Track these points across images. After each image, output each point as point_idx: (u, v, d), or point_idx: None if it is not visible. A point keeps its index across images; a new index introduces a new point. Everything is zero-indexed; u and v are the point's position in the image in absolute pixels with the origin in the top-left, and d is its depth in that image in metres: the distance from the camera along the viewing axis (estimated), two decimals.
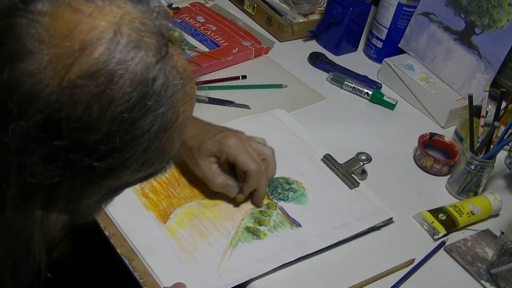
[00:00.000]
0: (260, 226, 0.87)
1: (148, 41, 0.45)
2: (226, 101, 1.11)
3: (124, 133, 0.44)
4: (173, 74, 0.47)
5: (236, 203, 0.90)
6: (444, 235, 0.94)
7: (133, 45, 0.44)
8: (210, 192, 0.91)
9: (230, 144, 0.83)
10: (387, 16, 1.30)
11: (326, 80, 1.26)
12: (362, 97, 1.23)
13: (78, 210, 0.52)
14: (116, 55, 0.43)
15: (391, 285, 0.84)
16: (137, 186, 0.88)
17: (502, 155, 1.09)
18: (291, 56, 1.31)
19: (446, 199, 1.02)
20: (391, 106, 1.21)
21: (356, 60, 1.35)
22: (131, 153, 0.46)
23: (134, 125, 0.45)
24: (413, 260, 0.89)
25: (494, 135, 1.00)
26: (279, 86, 1.20)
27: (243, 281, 0.79)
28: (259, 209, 0.90)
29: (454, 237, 0.95)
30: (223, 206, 0.89)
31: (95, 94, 0.43)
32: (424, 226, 0.95)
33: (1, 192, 0.44)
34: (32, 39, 0.42)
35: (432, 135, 1.11)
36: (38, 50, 0.42)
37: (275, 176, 0.96)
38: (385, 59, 1.28)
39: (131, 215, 0.84)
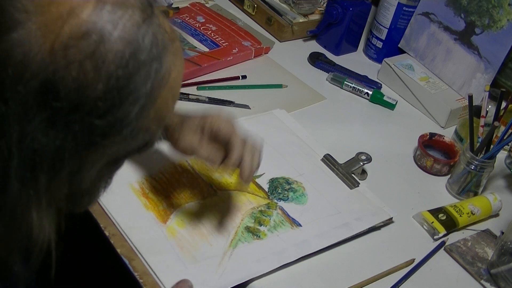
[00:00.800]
0: (260, 226, 0.87)
1: (133, 2, 0.46)
2: (226, 101, 1.11)
3: (120, 88, 0.45)
4: (160, 32, 0.48)
5: (236, 203, 0.90)
6: (444, 235, 0.94)
7: (119, 5, 0.45)
8: (210, 192, 0.91)
9: (213, 115, 0.82)
10: (387, 16, 1.30)
11: (326, 80, 1.26)
12: (362, 97, 1.23)
13: (80, 186, 0.51)
14: (104, 15, 0.44)
15: (391, 285, 0.84)
16: (137, 186, 0.89)
17: (502, 155, 1.09)
18: (291, 56, 1.31)
19: (446, 199, 1.02)
20: (391, 106, 1.21)
21: (356, 60, 1.35)
22: (129, 109, 0.46)
23: (130, 80, 0.45)
24: (413, 260, 0.89)
25: (494, 135, 1.00)
26: (279, 86, 1.20)
27: (243, 281, 0.79)
28: (259, 209, 0.90)
29: (454, 237, 0.95)
30: (223, 206, 0.89)
31: (87, 54, 0.43)
32: (424, 226, 0.95)
33: (5, 161, 0.44)
34: (18, 11, 0.43)
35: (432, 135, 1.11)
36: (26, 20, 0.43)
37: (275, 176, 0.96)
38: (385, 59, 1.28)
39: (131, 215, 0.84)
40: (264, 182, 0.95)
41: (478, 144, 1.01)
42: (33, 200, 0.47)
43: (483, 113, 1.02)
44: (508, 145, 1.08)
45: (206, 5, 1.39)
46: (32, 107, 0.43)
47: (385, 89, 1.26)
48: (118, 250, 0.79)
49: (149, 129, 0.51)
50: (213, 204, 0.89)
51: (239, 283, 0.79)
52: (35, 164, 0.45)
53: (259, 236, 0.86)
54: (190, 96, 1.10)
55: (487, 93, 1.03)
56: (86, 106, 0.44)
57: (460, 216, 0.95)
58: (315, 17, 1.39)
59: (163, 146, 0.94)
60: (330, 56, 1.33)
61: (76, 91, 0.44)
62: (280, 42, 1.34)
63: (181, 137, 0.82)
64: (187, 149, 0.82)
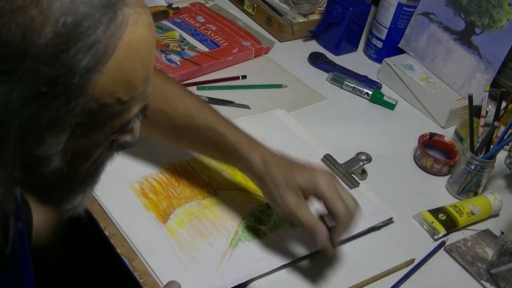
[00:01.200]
0: (261, 225, 0.87)
1: None
2: (226, 101, 1.11)
3: (69, 33, 0.43)
4: None
5: (236, 203, 0.90)
6: (444, 235, 0.94)
7: None
8: (210, 192, 0.91)
9: (321, 180, 0.76)
10: (387, 16, 1.30)
11: (326, 80, 1.26)
12: (362, 97, 1.23)
13: (49, 163, 0.48)
14: None
15: (391, 285, 0.84)
16: (137, 186, 0.89)
17: (502, 155, 1.09)
18: (291, 56, 1.31)
19: (446, 199, 1.02)
20: (391, 106, 1.21)
21: (356, 60, 1.35)
22: (79, 57, 0.44)
23: (79, 25, 0.44)
24: (413, 260, 0.89)
25: (494, 135, 1.00)
26: (279, 86, 1.20)
27: (243, 281, 0.79)
28: (259, 208, 0.90)
29: (454, 237, 0.95)
30: (223, 206, 0.89)
31: (33, 0, 0.43)
32: (424, 226, 0.95)
33: None
34: None
35: (432, 135, 1.11)
36: None
37: None
38: (385, 59, 1.28)
39: (131, 215, 0.84)
40: None
41: (478, 144, 1.01)
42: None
43: (483, 113, 1.02)
44: (508, 145, 1.08)
45: (206, 5, 1.39)
46: None
47: (385, 89, 1.26)
48: (118, 250, 0.79)
49: (115, 94, 0.48)
50: (213, 204, 0.89)
51: (239, 283, 0.79)
52: None
53: (259, 235, 0.86)
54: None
55: (487, 93, 1.03)
56: (33, 52, 0.43)
57: (460, 216, 0.95)
58: (315, 17, 1.39)
59: (163, 147, 0.94)
60: (330, 56, 1.33)
61: (22, 36, 0.42)
62: (280, 42, 1.34)
63: (283, 194, 0.76)
64: (285, 210, 0.77)
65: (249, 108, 1.12)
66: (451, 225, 0.95)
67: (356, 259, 0.87)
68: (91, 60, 0.45)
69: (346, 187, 0.97)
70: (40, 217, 0.99)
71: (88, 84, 0.45)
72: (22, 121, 0.45)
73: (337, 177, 0.81)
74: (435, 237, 0.93)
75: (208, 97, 1.11)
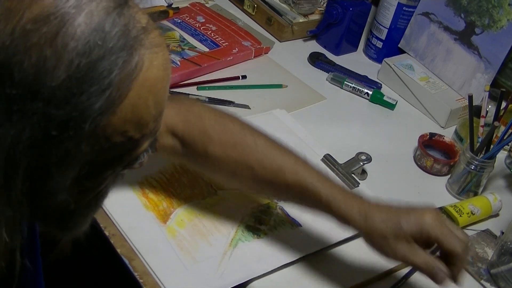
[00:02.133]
0: (261, 225, 0.87)
1: None
2: (226, 101, 1.11)
3: (82, 77, 0.42)
4: (133, 21, 0.45)
5: (236, 203, 0.90)
6: None
7: None
8: (210, 192, 0.91)
9: (429, 221, 0.73)
10: (387, 16, 1.30)
11: (326, 80, 1.26)
12: (362, 97, 1.23)
13: (55, 197, 0.48)
14: (69, 0, 0.42)
15: (391, 285, 0.84)
16: (137, 186, 0.89)
17: (502, 155, 1.09)
18: (291, 56, 1.31)
19: (446, 199, 1.02)
20: (391, 106, 1.21)
21: (356, 60, 1.35)
22: (92, 100, 0.43)
23: (93, 69, 0.42)
24: None
25: (494, 135, 1.00)
26: (279, 86, 1.20)
27: (243, 281, 0.79)
28: (259, 208, 0.90)
29: None
30: (223, 206, 0.89)
31: (48, 38, 0.41)
32: None
33: None
34: None
35: (432, 135, 1.11)
36: None
37: None
38: (385, 59, 1.28)
39: (131, 215, 0.84)
40: None
41: (478, 144, 1.01)
42: None
43: (483, 113, 1.02)
44: (508, 145, 1.08)
45: (206, 5, 1.39)
46: None
47: (385, 89, 1.26)
48: (118, 250, 0.79)
49: (126, 132, 0.47)
50: (213, 204, 0.89)
51: (239, 283, 0.79)
52: None
53: (259, 235, 0.86)
54: (190, 96, 1.10)
55: (487, 93, 1.03)
56: (44, 94, 0.41)
57: (460, 216, 0.95)
58: (315, 17, 1.39)
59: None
60: (330, 56, 1.33)
61: (34, 77, 0.41)
62: (280, 42, 1.34)
63: (397, 246, 0.73)
64: (398, 259, 0.75)
65: (249, 108, 1.12)
66: None
67: (356, 259, 0.87)
68: (104, 103, 0.44)
69: None
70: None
71: (100, 126, 0.45)
72: (31, 161, 0.44)
73: (439, 213, 0.77)
74: None
75: (208, 97, 1.11)
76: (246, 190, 0.89)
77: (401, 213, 0.74)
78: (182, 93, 1.11)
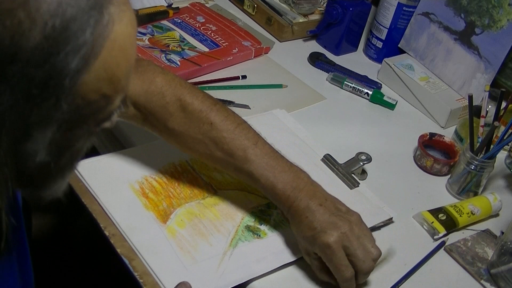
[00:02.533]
0: (261, 225, 0.87)
1: None
2: (226, 101, 1.11)
3: (57, 37, 0.44)
4: None
5: (236, 203, 0.90)
6: (444, 235, 0.94)
7: None
8: (210, 192, 0.91)
9: (326, 243, 0.77)
10: (387, 16, 1.30)
11: (326, 80, 1.26)
12: (362, 97, 1.23)
13: (34, 158, 0.50)
14: None
15: (391, 285, 0.84)
16: (137, 186, 0.89)
17: (502, 155, 1.09)
18: (291, 56, 1.31)
19: (446, 199, 1.02)
20: (391, 106, 1.21)
21: (356, 60, 1.35)
22: (68, 59, 0.45)
23: (67, 29, 0.44)
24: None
25: (494, 135, 1.00)
26: (279, 86, 1.20)
27: (243, 281, 0.79)
28: (259, 208, 0.90)
29: (454, 237, 0.95)
30: (223, 206, 0.89)
31: (20, 3, 0.43)
32: (424, 226, 0.95)
33: None
34: None
35: (432, 135, 1.11)
36: None
37: None
38: (385, 59, 1.28)
39: (131, 215, 0.84)
40: None
41: (478, 144, 1.01)
42: None
43: (483, 113, 1.02)
44: (508, 145, 1.08)
45: (206, 5, 1.39)
46: None
47: (385, 89, 1.26)
48: (118, 250, 0.79)
49: (100, 89, 0.49)
50: (213, 204, 0.89)
51: (239, 283, 0.79)
52: None
53: (260, 235, 0.86)
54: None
55: (487, 93, 1.03)
56: (23, 56, 0.43)
57: (460, 216, 0.95)
58: (315, 17, 1.39)
59: (163, 147, 0.94)
60: (330, 56, 1.33)
61: (10, 40, 0.43)
62: (280, 42, 1.34)
63: (323, 236, 0.78)
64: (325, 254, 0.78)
65: (249, 108, 1.12)
66: (451, 225, 0.95)
67: None
68: (81, 61, 0.45)
69: (346, 186, 0.97)
70: (39, 217, 0.99)
71: (77, 84, 0.46)
72: (14, 123, 0.45)
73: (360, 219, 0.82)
74: (435, 237, 0.93)
75: None
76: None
77: (324, 216, 0.79)
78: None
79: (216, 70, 1.20)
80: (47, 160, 0.51)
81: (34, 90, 0.44)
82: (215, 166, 0.89)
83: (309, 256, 0.81)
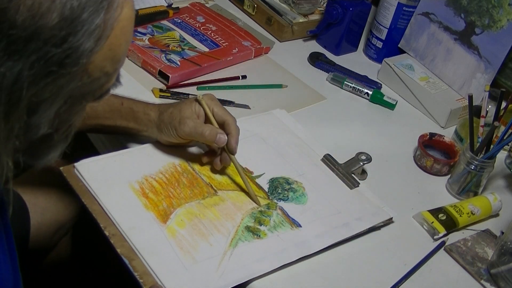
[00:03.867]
0: (261, 225, 0.87)
1: None
2: (226, 101, 1.11)
3: (75, 18, 0.47)
4: None
5: (236, 203, 0.90)
6: (444, 235, 0.94)
7: None
8: (210, 192, 0.91)
9: (205, 98, 0.90)
10: (387, 16, 1.30)
11: (326, 80, 1.26)
12: (362, 97, 1.23)
13: (38, 128, 0.53)
14: None
15: (391, 285, 0.84)
16: (137, 186, 0.89)
17: (502, 155, 1.09)
18: (291, 56, 1.31)
19: (446, 199, 1.02)
20: (391, 106, 1.21)
21: (356, 60, 1.35)
22: (84, 39, 0.48)
23: (83, 11, 0.48)
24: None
25: (494, 135, 1.00)
26: (279, 86, 1.20)
27: (243, 281, 0.79)
28: (259, 209, 0.90)
29: (454, 237, 0.95)
30: (223, 206, 0.89)
31: None
32: (424, 226, 0.95)
33: None
34: None
35: (432, 135, 1.11)
36: None
37: (275, 176, 0.96)
38: (385, 59, 1.28)
39: (131, 215, 0.84)
40: (264, 182, 0.95)
41: (478, 144, 1.01)
42: None
43: (483, 113, 1.02)
44: (508, 145, 1.08)
45: (206, 5, 1.39)
46: None
47: (385, 89, 1.26)
48: (118, 250, 0.79)
49: (104, 68, 0.52)
50: (213, 204, 0.89)
51: (239, 283, 0.79)
52: None
53: (259, 236, 0.86)
54: (190, 96, 1.10)
55: (487, 93, 1.03)
56: (42, 35, 0.46)
57: (460, 216, 0.95)
58: (315, 17, 1.39)
59: (163, 147, 0.94)
60: (330, 56, 1.33)
61: (31, 19, 0.45)
62: (280, 42, 1.34)
63: (182, 126, 0.88)
64: (191, 133, 0.89)
65: (249, 108, 1.12)
66: (451, 225, 0.95)
67: (356, 259, 0.87)
68: (94, 42, 0.49)
69: (345, 186, 0.97)
70: (39, 218, 0.99)
71: (88, 62, 0.50)
72: (29, 97, 0.49)
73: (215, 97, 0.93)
74: (435, 237, 0.93)
75: None
76: None
77: (176, 102, 0.92)
78: (182, 93, 1.11)
79: (216, 70, 1.20)
80: (49, 132, 0.54)
81: (53, 67, 0.48)
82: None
83: (195, 119, 0.90)
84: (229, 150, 0.90)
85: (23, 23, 0.45)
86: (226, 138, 0.89)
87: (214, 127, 0.89)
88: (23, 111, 0.49)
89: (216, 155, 0.93)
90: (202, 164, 0.95)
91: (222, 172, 0.94)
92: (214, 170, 0.94)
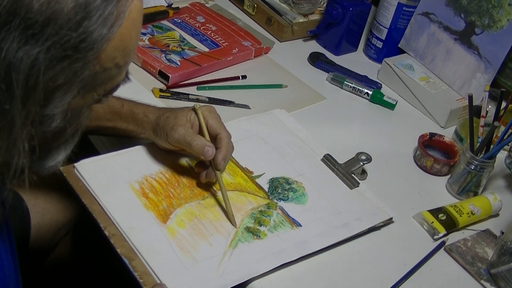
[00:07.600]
0: (260, 226, 0.87)
1: None
2: (226, 101, 1.11)
3: (89, 4, 0.49)
4: None
5: (236, 203, 0.90)
6: (444, 235, 0.94)
7: None
8: (210, 193, 0.91)
9: (202, 111, 0.89)
10: (387, 16, 1.30)
11: (326, 80, 1.26)
12: (362, 97, 1.23)
13: (51, 121, 0.53)
14: None
15: (391, 285, 0.84)
16: (137, 186, 0.89)
17: (502, 155, 1.09)
18: (291, 56, 1.31)
19: (446, 199, 1.02)
20: (391, 106, 1.21)
21: (356, 60, 1.35)
22: (97, 26, 0.50)
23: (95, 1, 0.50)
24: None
25: (494, 135, 1.00)
26: (279, 86, 1.20)
27: (243, 281, 0.79)
28: (259, 209, 0.90)
29: (454, 237, 0.95)
30: (223, 206, 0.89)
31: None
32: (424, 226, 0.95)
33: None
34: None
35: (432, 135, 1.11)
36: None
37: (275, 176, 0.96)
38: (385, 59, 1.28)
39: (131, 215, 0.84)
40: (264, 182, 0.95)
41: (478, 144, 1.01)
42: (8, 118, 0.50)
43: (483, 113, 1.02)
44: (508, 145, 1.08)
45: (206, 5, 1.39)
46: (6, 22, 0.47)
47: (385, 89, 1.26)
48: (118, 250, 0.79)
49: (115, 59, 0.54)
50: (213, 204, 0.89)
51: (239, 283, 0.79)
52: (11, 79, 0.48)
53: (259, 236, 0.86)
54: (190, 96, 1.10)
55: (487, 93, 1.03)
56: (59, 19, 0.48)
57: (460, 216, 0.95)
58: (315, 17, 1.39)
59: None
60: (330, 56, 1.33)
61: (48, 4, 0.47)
62: (280, 42, 1.34)
63: (172, 132, 0.87)
64: (180, 141, 0.87)
65: (249, 108, 1.12)
66: (451, 225, 0.95)
67: (356, 259, 0.87)
68: (107, 29, 0.51)
69: (345, 186, 0.97)
70: (39, 218, 0.99)
71: (101, 50, 0.51)
72: (46, 83, 0.50)
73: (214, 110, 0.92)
74: (435, 237, 0.94)
75: (208, 97, 1.11)
76: None
77: (175, 108, 0.91)
78: (182, 93, 1.11)
79: (216, 70, 1.20)
80: (61, 126, 0.55)
81: (68, 51, 0.49)
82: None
83: (187, 128, 0.89)
84: (214, 165, 0.87)
85: (39, 8, 0.47)
86: (214, 152, 0.86)
87: (204, 139, 0.86)
88: (39, 95, 0.50)
89: (206, 168, 0.89)
90: None
91: (222, 172, 0.94)
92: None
